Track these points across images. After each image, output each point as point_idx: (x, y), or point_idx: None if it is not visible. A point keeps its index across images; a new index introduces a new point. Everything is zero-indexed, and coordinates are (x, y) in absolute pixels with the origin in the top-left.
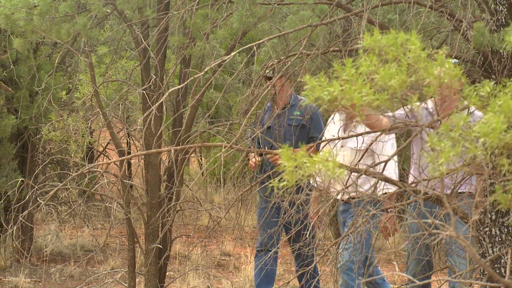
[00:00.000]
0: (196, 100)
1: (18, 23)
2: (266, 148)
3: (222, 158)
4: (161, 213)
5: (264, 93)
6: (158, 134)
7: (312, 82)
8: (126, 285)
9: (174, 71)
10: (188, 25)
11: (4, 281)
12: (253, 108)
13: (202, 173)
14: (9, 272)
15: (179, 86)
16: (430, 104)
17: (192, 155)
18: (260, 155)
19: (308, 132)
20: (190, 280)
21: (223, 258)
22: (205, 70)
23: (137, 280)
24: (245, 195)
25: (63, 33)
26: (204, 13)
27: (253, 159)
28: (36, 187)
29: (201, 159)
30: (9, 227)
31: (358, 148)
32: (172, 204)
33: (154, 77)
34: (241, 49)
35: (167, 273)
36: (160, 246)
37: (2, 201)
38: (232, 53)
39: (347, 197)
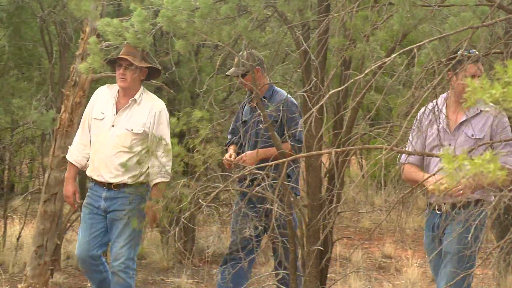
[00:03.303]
0: (356, 102)
1: (180, 25)
2: (247, 143)
3: (382, 161)
4: (322, 215)
5: (424, 95)
6: (318, 136)
7: (474, 84)
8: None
9: (335, 73)
10: (348, 27)
11: (167, 281)
12: (413, 110)
13: (363, 176)
14: (171, 273)
15: (340, 88)
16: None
17: (352, 157)
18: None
19: (283, 130)
20: (351, 283)
21: (384, 261)
22: (366, 72)
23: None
24: (406, 198)
25: (224, 35)
26: (364, 15)
27: (227, 156)
28: (198, 188)
29: (361, 161)
30: (172, 229)
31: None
32: (333, 206)
33: (315, 79)
34: (401, 51)
35: (328, 275)
36: (321, 248)
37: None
38: (393, 55)
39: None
